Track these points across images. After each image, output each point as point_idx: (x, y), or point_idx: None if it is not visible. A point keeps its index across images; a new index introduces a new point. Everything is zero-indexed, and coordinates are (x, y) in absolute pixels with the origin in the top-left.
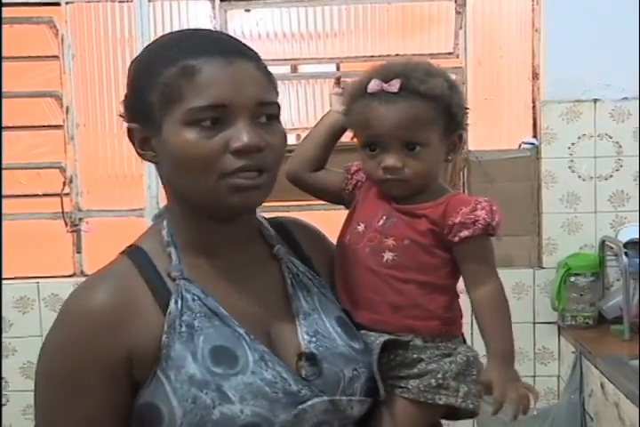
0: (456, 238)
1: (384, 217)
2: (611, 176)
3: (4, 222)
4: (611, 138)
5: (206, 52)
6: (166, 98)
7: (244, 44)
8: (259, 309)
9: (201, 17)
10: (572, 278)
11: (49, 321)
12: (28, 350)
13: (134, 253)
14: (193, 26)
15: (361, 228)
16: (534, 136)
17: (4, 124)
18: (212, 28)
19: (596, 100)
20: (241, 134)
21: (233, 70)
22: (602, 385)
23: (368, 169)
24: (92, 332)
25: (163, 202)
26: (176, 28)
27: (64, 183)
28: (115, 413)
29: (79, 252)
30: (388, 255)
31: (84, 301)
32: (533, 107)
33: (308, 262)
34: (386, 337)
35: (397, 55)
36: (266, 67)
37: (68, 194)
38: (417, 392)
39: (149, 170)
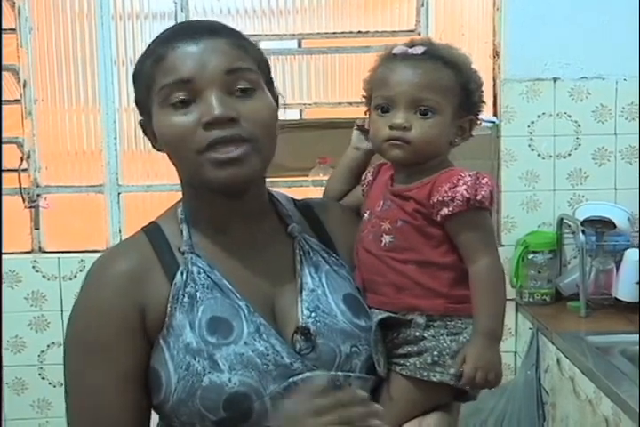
0: (438, 217)
1: (382, 202)
2: (569, 155)
3: None
4: (570, 117)
5: (175, 39)
6: (147, 87)
7: (220, 25)
8: (264, 283)
9: None
10: (530, 256)
11: (7, 298)
12: None
13: (151, 229)
14: (154, 2)
15: (366, 215)
16: (494, 114)
17: None
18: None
19: (555, 79)
20: (210, 107)
21: (197, 48)
22: (558, 361)
23: (375, 130)
24: (111, 292)
25: (122, 178)
26: (136, 4)
27: (22, 159)
28: (137, 368)
29: (37, 228)
30: (385, 239)
31: (103, 267)
32: (494, 85)
33: (328, 242)
34: (384, 315)
35: (359, 32)
36: (245, 41)
37: (25, 170)
38: (413, 369)
39: (108, 146)
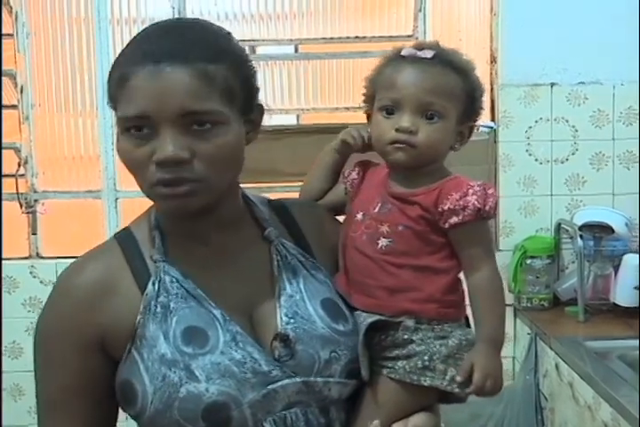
0: (446, 225)
1: (379, 204)
2: (567, 160)
3: None
4: (567, 122)
5: (139, 59)
6: (111, 104)
7: (190, 41)
8: (241, 290)
9: None
10: (528, 261)
11: (4, 304)
12: None
13: (123, 236)
14: (151, 7)
15: (359, 216)
16: (492, 119)
17: None
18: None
19: (552, 84)
20: (162, 146)
21: (158, 79)
22: (556, 366)
23: (379, 132)
24: (71, 307)
25: (119, 184)
26: (133, 9)
27: (19, 164)
28: (88, 385)
29: (35, 233)
30: (382, 242)
31: (69, 278)
32: (491, 90)
33: (305, 245)
34: (374, 318)
35: (357, 37)
36: (214, 64)
37: (23, 175)
38: (403, 373)
39: (106, 151)
